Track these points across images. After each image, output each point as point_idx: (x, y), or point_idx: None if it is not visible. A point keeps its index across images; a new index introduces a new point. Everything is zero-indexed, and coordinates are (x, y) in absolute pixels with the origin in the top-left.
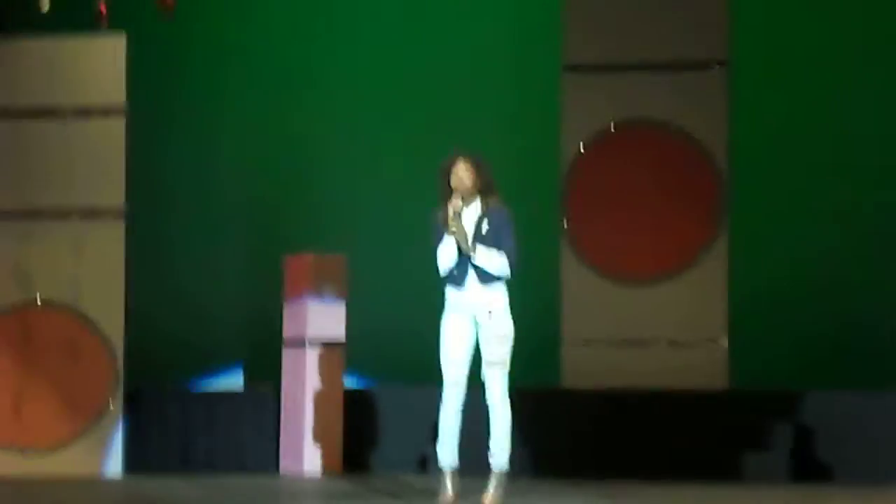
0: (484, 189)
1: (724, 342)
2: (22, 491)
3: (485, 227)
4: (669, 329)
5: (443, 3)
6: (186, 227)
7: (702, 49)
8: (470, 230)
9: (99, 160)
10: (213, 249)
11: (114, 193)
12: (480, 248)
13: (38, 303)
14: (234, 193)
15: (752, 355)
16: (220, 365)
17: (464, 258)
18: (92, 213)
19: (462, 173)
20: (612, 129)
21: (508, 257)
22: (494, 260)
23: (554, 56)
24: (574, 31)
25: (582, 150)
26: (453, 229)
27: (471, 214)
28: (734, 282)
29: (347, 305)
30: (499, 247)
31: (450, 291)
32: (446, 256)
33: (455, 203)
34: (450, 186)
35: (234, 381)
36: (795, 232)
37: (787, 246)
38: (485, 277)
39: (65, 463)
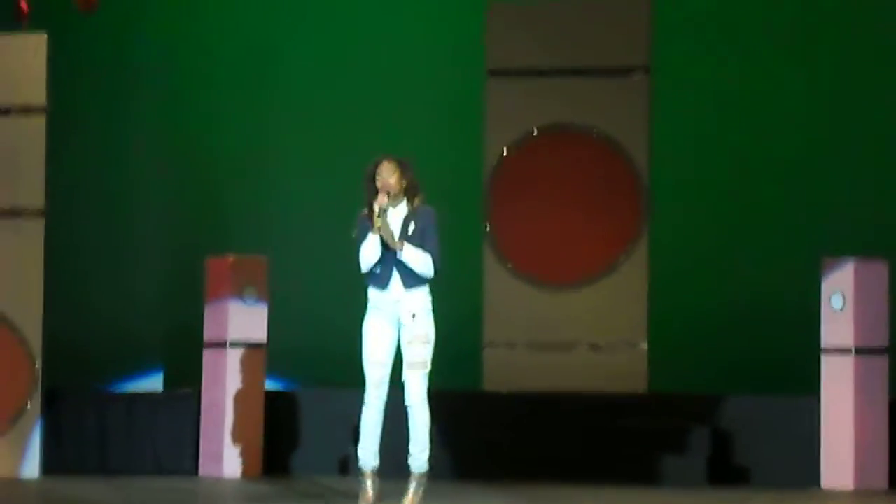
0: (409, 190)
1: (644, 346)
2: None
3: (411, 227)
4: (590, 333)
5: (368, 6)
6: (106, 228)
7: (624, 55)
8: (396, 230)
9: (19, 160)
10: (133, 251)
11: (33, 193)
12: (407, 245)
13: None
14: (155, 194)
15: (672, 359)
16: (140, 368)
17: (388, 258)
18: (11, 213)
19: (387, 173)
20: (535, 134)
21: (433, 257)
22: (420, 258)
23: (479, 60)
24: (497, 36)
25: (505, 154)
26: (378, 226)
27: (396, 215)
28: (654, 286)
29: (269, 307)
30: (423, 246)
31: (372, 292)
32: (370, 253)
33: (381, 200)
34: (375, 187)
35: (153, 384)
36: (715, 238)
37: (706, 252)
38: (408, 279)
39: None
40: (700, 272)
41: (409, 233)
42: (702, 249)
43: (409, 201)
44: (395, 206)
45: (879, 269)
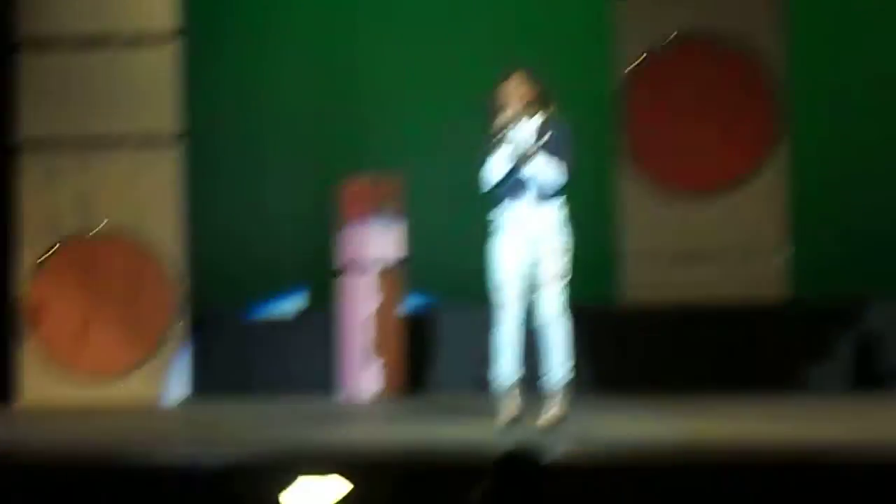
0: (540, 102)
1: (787, 252)
2: (86, 418)
3: (539, 140)
4: (731, 241)
5: None
6: (246, 152)
7: None
8: (525, 143)
9: (153, 87)
10: (270, 175)
11: (169, 120)
12: (537, 157)
13: (100, 231)
14: (291, 116)
15: (815, 266)
16: (282, 290)
17: (517, 173)
18: (148, 141)
19: (518, 86)
20: (669, 42)
21: (563, 171)
22: (548, 172)
23: None
24: None
25: (639, 63)
26: (509, 138)
27: (526, 128)
28: (795, 192)
29: (406, 224)
30: (553, 160)
31: (503, 209)
32: (502, 167)
33: (512, 112)
34: (506, 101)
35: (296, 305)
36: (858, 141)
37: (848, 156)
38: (538, 194)
39: (130, 389)
40: (841, 177)
41: (539, 146)
42: (843, 153)
43: (540, 113)
44: (526, 118)
45: None
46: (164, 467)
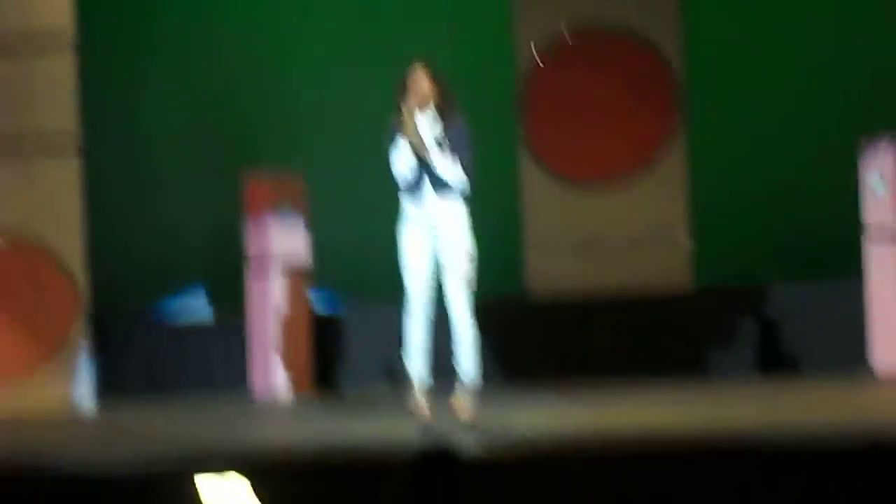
0: (441, 99)
1: (687, 241)
2: None
3: (441, 136)
4: (632, 231)
5: None
6: (141, 159)
7: None
8: (427, 139)
9: (51, 92)
10: (169, 176)
11: (67, 125)
12: (438, 154)
13: None
14: (194, 113)
15: (715, 254)
16: (186, 290)
17: (421, 167)
18: (45, 146)
19: (419, 81)
20: (568, 35)
21: (465, 170)
22: (451, 167)
23: None
24: None
25: (537, 57)
26: (410, 132)
27: (427, 124)
28: (693, 181)
29: (307, 223)
30: (454, 157)
31: (408, 203)
32: (404, 163)
33: (412, 107)
34: (406, 96)
35: (198, 302)
36: (753, 126)
37: (744, 142)
38: (442, 188)
39: (32, 394)
40: (739, 163)
41: (441, 142)
42: (739, 140)
43: (441, 111)
44: (427, 115)
45: None
46: (75, 475)
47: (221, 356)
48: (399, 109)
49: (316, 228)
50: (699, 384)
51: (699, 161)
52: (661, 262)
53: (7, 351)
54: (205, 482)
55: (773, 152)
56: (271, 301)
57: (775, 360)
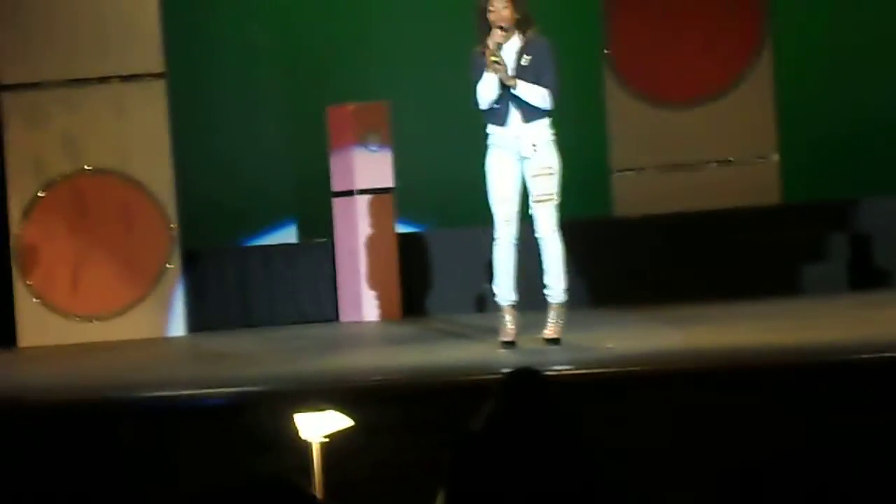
0: (522, 22)
1: (775, 157)
2: (92, 353)
3: (525, 60)
4: (718, 149)
5: None
6: (230, 87)
7: None
8: (510, 64)
9: (137, 26)
10: (255, 105)
11: (153, 58)
12: (521, 81)
13: (89, 170)
14: (273, 47)
15: (804, 169)
16: (273, 221)
17: (505, 93)
18: (133, 78)
19: (499, 7)
20: None
21: (550, 90)
22: (536, 91)
23: None
24: None
25: None
26: (494, 62)
27: (510, 49)
28: (781, 97)
29: (393, 152)
30: (539, 79)
31: (492, 129)
32: (487, 92)
33: (495, 36)
34: (487, 22)
35: (288, 235)
36: (842, 43)
37: (833, 59)
38: (527, 113)
39: (127, 327)
40: (826, 77)
41: (524, 64)
42: (828, 56)
43: (523, 33)
44: (507, 40)
45: None
46: (169, 402)
47: (310, 285)
48: (480, 36)
49: (400, 157)
50: (790, 301)
51: (787, 75)
52: (749, 180)
53: (103, 285)
54: (297, 411)
55: (862, 65)
56: (358, 229)
57: (866, 275)
